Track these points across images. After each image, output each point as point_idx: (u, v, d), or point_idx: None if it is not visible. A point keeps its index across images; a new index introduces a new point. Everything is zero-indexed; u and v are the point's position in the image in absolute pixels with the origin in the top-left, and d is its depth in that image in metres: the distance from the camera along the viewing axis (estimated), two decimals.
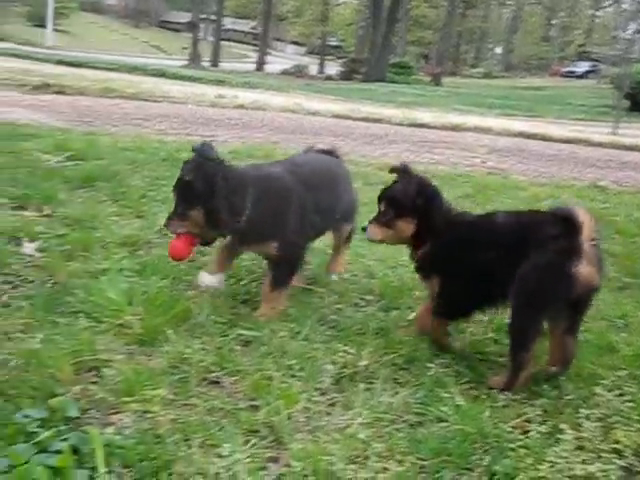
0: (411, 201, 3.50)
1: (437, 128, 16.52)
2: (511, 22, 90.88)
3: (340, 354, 3.27)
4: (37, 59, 29.65)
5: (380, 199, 3.62)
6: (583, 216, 3.15)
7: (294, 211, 3.79)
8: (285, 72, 54.27)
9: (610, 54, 34.28)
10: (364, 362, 3.21)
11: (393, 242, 3.69)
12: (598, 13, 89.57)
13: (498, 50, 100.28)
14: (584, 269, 3.09)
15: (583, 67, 74.75)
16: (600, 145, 16.57)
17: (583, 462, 2.63)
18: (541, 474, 2.52)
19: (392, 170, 3.73)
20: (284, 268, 3.80)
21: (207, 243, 3.80)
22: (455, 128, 16.84)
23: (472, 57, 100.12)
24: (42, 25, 55.43)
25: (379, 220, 3.59)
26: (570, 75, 72.69)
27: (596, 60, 68.62)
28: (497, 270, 3.33)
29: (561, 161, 12.88)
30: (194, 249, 3.77)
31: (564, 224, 3.15)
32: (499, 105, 33.06)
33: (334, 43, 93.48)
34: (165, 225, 3.66)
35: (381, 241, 3.66)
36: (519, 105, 35.27)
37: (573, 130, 20.07)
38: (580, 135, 17.71)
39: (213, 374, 3.02)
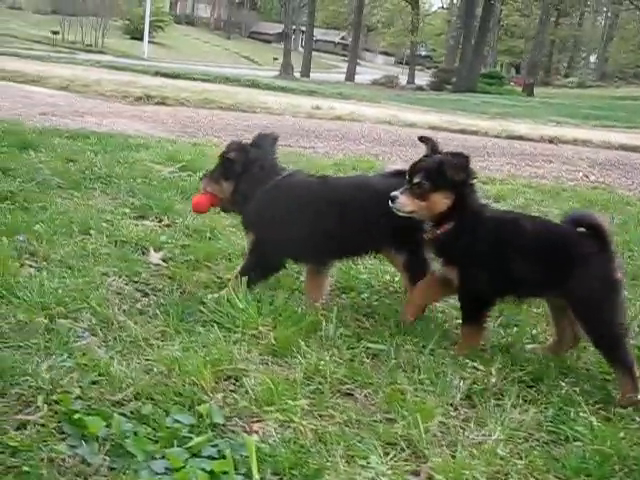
0: (452, 175, 3.46)
1: (534, 140, 16.27)
2: (606, 30, 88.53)
3: (469, 370, 3.29)
4: (135, 71, 30.60)
5: (415, 171, 3.54)
6: (606, 223, 3.50)
7: (302, 220, 3.89)
8: (375, 82, 54.30)
9: None
10: (493, 379, 3.22)
11: (422, 216, 3.56)
12: None
13: (592, 59, 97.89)
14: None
15: None
16: None
17: None
18: None
19: (421, 139, 3.71)
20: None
21: (224, 210, 4.34)
22: (553, 140, 16.55)
23: (565, 66, 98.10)
24: (138, 38, 57.24)
25: (413, 191, 3.51)
26: None
27: None
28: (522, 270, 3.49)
29: None
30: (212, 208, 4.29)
31: (597, 233, 3.44)
32: (595, 116, 32.30)
33: (423, 53, 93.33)
34: (200, 178, 4.03)
35: (410, 213, 3.53)
36: (616, 116, 34.34)
37: None
38: None
39: (346, 386, 3.08)
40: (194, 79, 28.43)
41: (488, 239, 3.54)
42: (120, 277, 4.17)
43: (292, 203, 3.93)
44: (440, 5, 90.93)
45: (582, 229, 3.53)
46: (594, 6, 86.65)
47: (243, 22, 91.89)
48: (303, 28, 67.34)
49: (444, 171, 3.46)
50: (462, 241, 3.52)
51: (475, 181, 3.63)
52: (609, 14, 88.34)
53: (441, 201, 3.49)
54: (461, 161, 3.50)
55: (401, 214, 3.54)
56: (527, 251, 3.53)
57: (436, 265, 3.62)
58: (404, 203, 3.50)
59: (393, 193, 3.54)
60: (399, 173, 3.88)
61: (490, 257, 3.53)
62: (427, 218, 3.58)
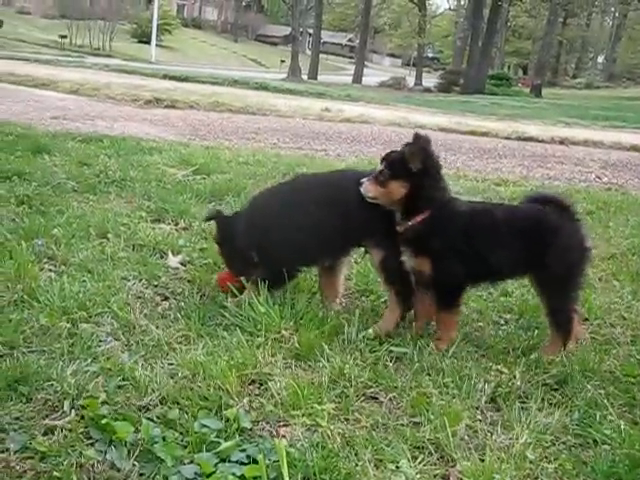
0: (408, 164, 3.57)
1: (545, 142, 16.23)
2: (614, 30, 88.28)
3: (493, 373, 3.28)
4: (144, 74, 30.62)
5: (382, 159, 3.73)
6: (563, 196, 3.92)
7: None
8: (383, 84, 54.22)
9: None
10: (517, 382, 3.21)
11: (385, 203, 3.69)
12: None
13: (600, 59, 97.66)
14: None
15: None
16: None
17: None
18: None
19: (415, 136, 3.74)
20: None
21: None
22: (564, 142, 16.50)
23: (572, 67, 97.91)
24: (146, 41, 57.33)
25: (376, 178, 3.66)
26: None
27: None
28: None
29: None
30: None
31: (559, 207, 3.73)
32: (605, 117, 32.15)
33: (430, 55, 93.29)
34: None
35: (373, 198, 3.67)
36: (626, 117, 34.17)
37: None
38: None
39: (371, 390, 3.08)
40: (203, 82, 28.43)
41: (462, 229, 3.65)
42: (140, 281, 4.18)
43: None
44: (447, 7, 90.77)
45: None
46: (602, 6, 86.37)
47: (250, 25, 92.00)
48: (310, 30, 67.37)
49: (403, 160, 3.59)
50: (435, 232, 3.61)
51: (440, 172, 3.70)
52: (617, 14, 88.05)
53: (397, 189, 3.61)
54: (416, 150, 3.59)
55: (368, 199, 3.69)
56: (501, 237, 3.70)
57: (405, 257, 3.68)
58: (367, 189, 3.68)
59: (362, 179, 3.71)
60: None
61: (465, 247, 3.64)
62: (389, 205, 3.70)
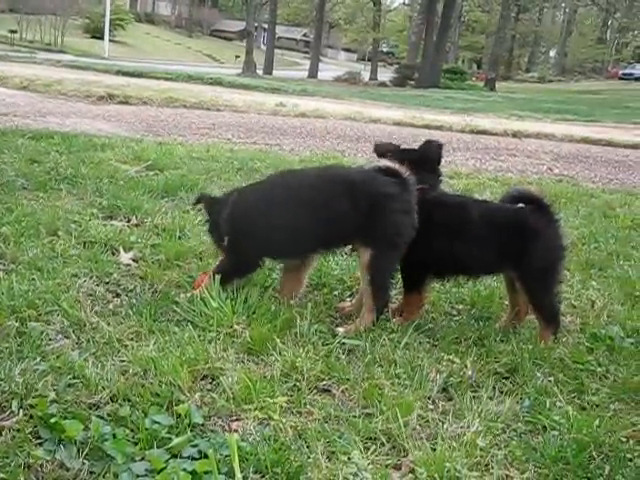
0: None
1: (498, 135, 16.41)
2: (565, 25, 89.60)
3: (445, 363, 3.32)
4: (97, 70, 30.23)
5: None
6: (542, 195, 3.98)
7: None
8: (338, 79, 54.30)
9: None
10: (469, 371, 3.24)
11: None
12: None
13: (552, 54, 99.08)
14: None
15: None
16: None
17: None
18: None
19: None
20: None
21: None
22: (516, 134, 16.70)
23: (525, 61, 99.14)
24: (99, 37, 56.54)
25: None
26: (628, 77, 71.17)
27: None
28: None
29: (629, 167, 12.71)
30: None
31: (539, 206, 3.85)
32: (557, 110, 32.61)
33: (386, 49, 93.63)
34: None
35: None
36: (577, 110, 34.70)
37: (636, 135, 19.71)
38: None
39: (323, 382, 3.08)
40: (157, 78, 28.14)
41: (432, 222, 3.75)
42: (91, 278, 4.12)
43: None
44: (401, 1, 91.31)
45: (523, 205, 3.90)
46: (553, 2, 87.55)
47: (204, 20, 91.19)
48: (265, 25, 67.18)
49: None
50: None
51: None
52: (567, 10, 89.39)
53: None
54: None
55: None
56: (476, 234, 3.83)
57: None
58: None
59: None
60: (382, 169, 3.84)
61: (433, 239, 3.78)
62: None
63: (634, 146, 16.33)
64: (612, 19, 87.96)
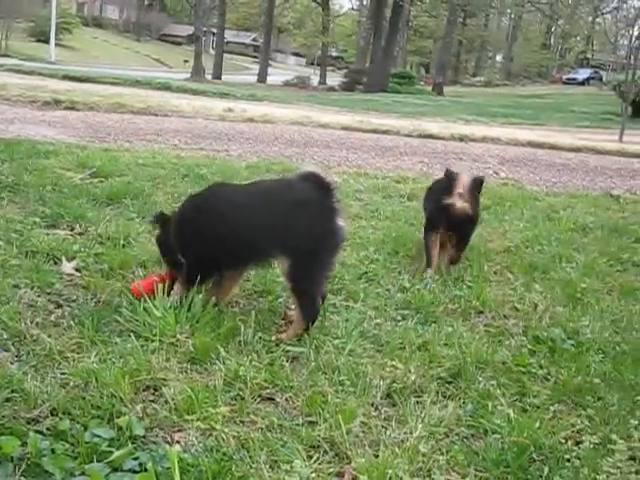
0: None
1: (445, 139, 16.57)
2: (511, 30, 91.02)
3: (388, 369, 3.34)
4: (42, 74, 29.72)
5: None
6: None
7: None
8: (287, 83, 54.34)
9: (611, 61, 34.30)
10: (412, 377, 3.27)
11: None
12: (597, 20, 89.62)
13: (498, 58, 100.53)
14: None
15: (584, 74, 74.84)
16: (608, 153, 16.62)
17: (637, 473, 2.68)
18: None
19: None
20: None
21: None
22: (463, 138, 16.89)
23: (472, 66, 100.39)
24: (44, 40, 55.62)
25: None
26: (571, 82, 72.74)
27: (597, 67, 68.69)
28: None
29: (572, 170, 12.94)
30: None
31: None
32: (503, 114, 33.15)
33: (335, 54, 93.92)
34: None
35: None
36: (523, 113, 35.33)
37: (580, 138, 20.10)
38: (588, 143, 17.72)
39: (267, 391, 3.08)
40: (104, 83, 27.79)
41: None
42: (32, 289, 4.04)
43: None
44: (350, 6, 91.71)
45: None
46: (499, 8, 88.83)
47: (153, 24, 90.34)
48: (214, 30, 66.84)
49: None
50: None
51: None
52: (513, 16, 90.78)
53: None
54: None
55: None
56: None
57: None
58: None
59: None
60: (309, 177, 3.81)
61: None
62: None
63: (577, 149, 16.64)
64: (556, 25, 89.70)
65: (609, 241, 6.64)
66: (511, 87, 72.86)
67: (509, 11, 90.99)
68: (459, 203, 4.92)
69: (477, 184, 5.15)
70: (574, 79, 73.84)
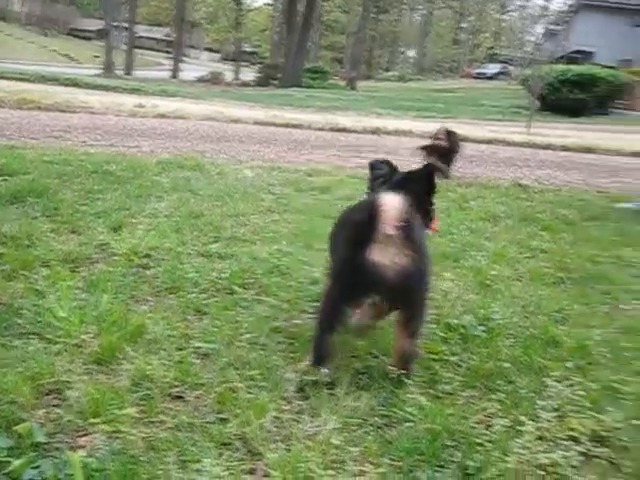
0: None
1: (358, 132, 16.69)
2: (423, 26, 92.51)
3: (301, 362, 3.29)
4: None
5: None
6: None
7: None
8: (201, 79, 53.84)
9: (518, 56, 35.26)
10: (324, 369, 3.23)
11: None
12: (505, 17, 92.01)
13: (411, 53, 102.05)
14: None
15: (493, 69, 76.72)
16: (517, 145, 17.06)
17: (545, 451, 2.73)
18: (509, 465, 2.61)
19: None
20: None
21: None
22: (376, 132, 17.04)
23: (386, 61, 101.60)
24: None
25: None
26: (481, 77, 74.52)
27: (505, 62, 70.40)
28: None
29: (483, 161, 13.21)
30: None
31: None
32: (416, 107, 33.66)
33: (248, 49, 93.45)
34: None
35: None
36: (435, 107, 35.97)
37: (490, 131, 20.58)
38: (498, 136, 18.19)
39: (176, 389, 2.99)
40: (8, 78, 26.91)
41: None
42: None
43: None
44: (264, 1, 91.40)
45: None
46: (410, 4, 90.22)
47: (60, 18, 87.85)
48: (126, 25, 65.60)
49: None
50: None
51: None
52: (424, 12, 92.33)
53: None
54: None
55: None
56: None
57: None
58: None
59: None
60: None
61: None
62: None
63: (488, 141, 17.03)
64: (465, 21, 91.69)
65: (518, 229, 6.79)
66: (423, 81, 74.08)
67: (421, 7, 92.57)
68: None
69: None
70: (484, 74, 75.66)
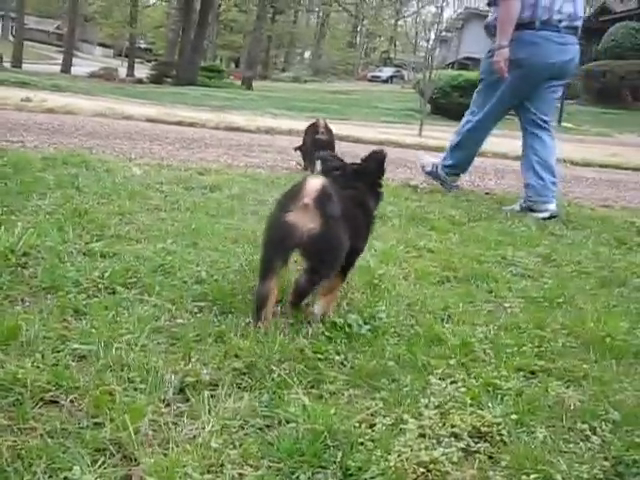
0: None
1: (252, 132, 16.64)
2: (319, 28, 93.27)
3: (182, 363, 3.22)
4: None
5: None
6: None
7: None
8: (93, 75, 52.47)
9: (412, 61, 36.10)
10: (205, 370, 3.17)
11: None
12: (400, 22, 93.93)
13: (307, 55, 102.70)
14: None
15: (387, 72, 78.24)
16: (409, 147, 17.39)
17: (427, 449, 2.73)
18: (391, 464, 2.59)
19: None
20: None
21: None
22: (269, 131, 17.04)
23: (282, 61, 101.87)
24: None
25: None
26: (376, 80, 75.87)
27: (399, 66, 71.93)
28: None
29: None
30: None
31: None
32: (311, 108, 33.85)
33: (143, 45, 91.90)
34: None
35: None
36: (329, 108, 36.29)
37: (383, 132, 20.89)
38: (391, 137, 18.49)
39: (50, 394, 2.85)
40: None
41: None
42: None
43: None
44: None
45: None
46: (307, 6, 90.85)
47: None
48: (13, 14, 63.19)
49: None
50: None
51: None
52: (321, 14, 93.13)
53: None
54: None
55: None
56: None
57: None
58: None
59: None
60: None
61: None
62: None
63: (380, 143, 17.25)
64: (361, 25, 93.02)
65: (407, 229, 6.88)
66: (319, 83, 74.69)
67: (317, 9, 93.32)
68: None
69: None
70: (378, 77, 77.09)
